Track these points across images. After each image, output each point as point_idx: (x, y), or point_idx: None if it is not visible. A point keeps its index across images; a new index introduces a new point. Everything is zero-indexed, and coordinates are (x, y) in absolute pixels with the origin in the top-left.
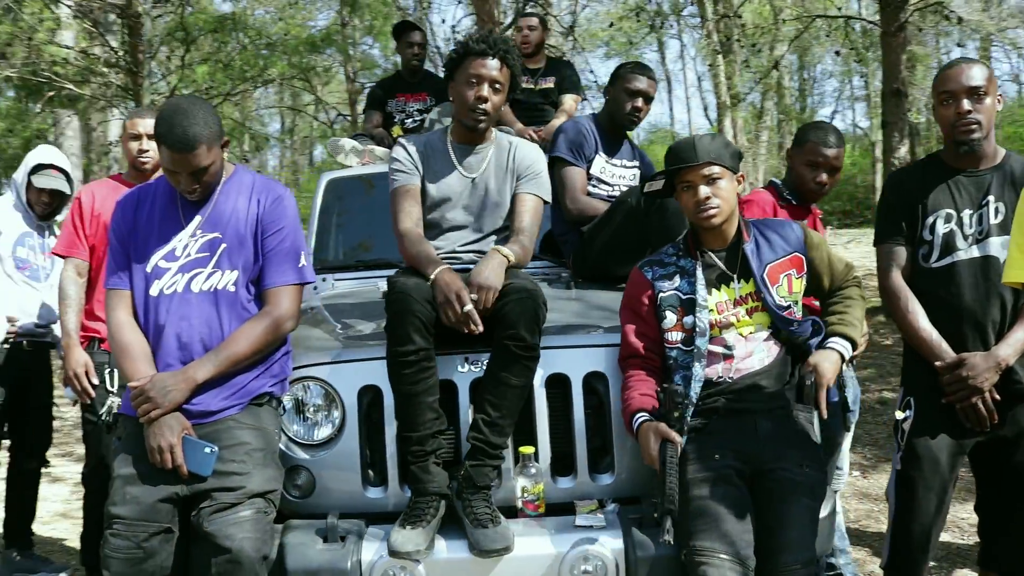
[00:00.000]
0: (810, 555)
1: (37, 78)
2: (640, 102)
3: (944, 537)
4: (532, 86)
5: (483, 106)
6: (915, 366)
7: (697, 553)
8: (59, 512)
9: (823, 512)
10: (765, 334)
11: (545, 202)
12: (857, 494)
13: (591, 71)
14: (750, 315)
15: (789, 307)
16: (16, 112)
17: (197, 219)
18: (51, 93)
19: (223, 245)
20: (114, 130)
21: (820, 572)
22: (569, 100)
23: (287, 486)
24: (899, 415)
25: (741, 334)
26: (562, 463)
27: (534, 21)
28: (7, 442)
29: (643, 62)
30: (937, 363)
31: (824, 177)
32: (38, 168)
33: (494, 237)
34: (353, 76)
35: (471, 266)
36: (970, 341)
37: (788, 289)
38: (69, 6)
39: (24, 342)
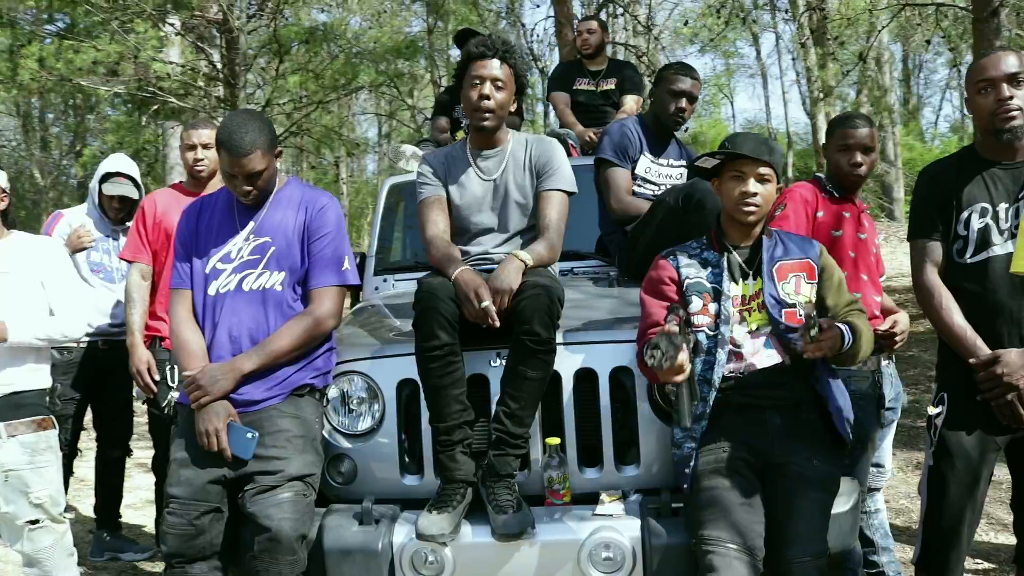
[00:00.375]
0: (819, 548)
1: (143, 93)
2: (684, 102)
3: (1013, 540)
4: (593, 88)
5: (486, 103)
6: (950, 362)
7: (705, 542)
8: (149, 499)
9: (843, 506)
10: (769, 328)
11: (569, 193)
12: None
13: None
14: (760, 310)
15: (793, 306)
16: (130, 125)
17: (251, 225)
18: (156, 107)
19: (272, 248)
20: None
21: (857, 567)
22: (630, 101)
23: (332, 473)
24: (931, 411)
25: (749, 330)
26: (590, 455)
27: (593, 24)
28: (92, 433)
29: (686, 63)
30: (971, 360)
31: (858, 157)
32: (107, 176)
33: (522, 236)
34: (439, 82)
35: None
36: (1006, 338)
37: (796, 289)
38: (172, 24)
39: (99, 341)
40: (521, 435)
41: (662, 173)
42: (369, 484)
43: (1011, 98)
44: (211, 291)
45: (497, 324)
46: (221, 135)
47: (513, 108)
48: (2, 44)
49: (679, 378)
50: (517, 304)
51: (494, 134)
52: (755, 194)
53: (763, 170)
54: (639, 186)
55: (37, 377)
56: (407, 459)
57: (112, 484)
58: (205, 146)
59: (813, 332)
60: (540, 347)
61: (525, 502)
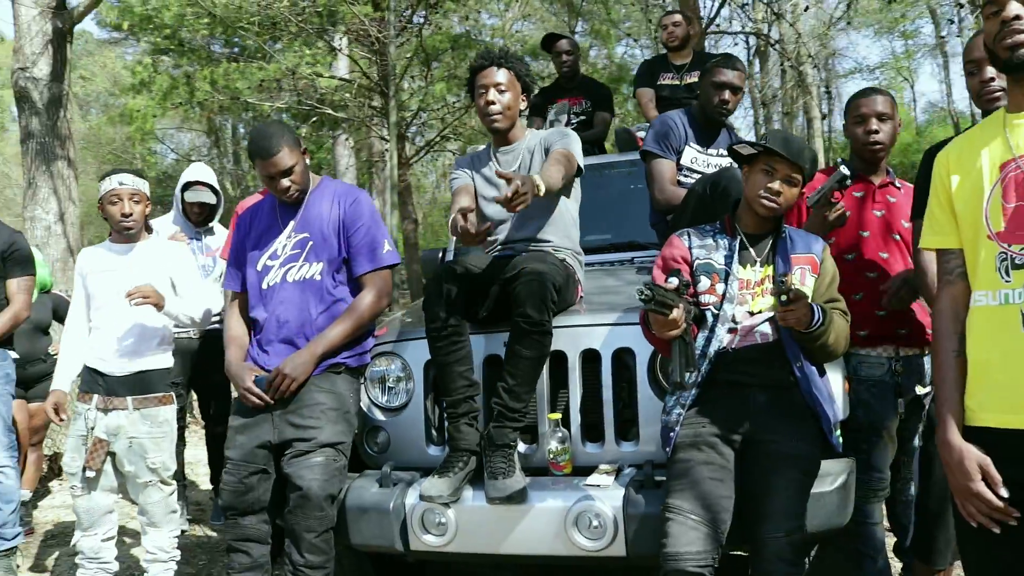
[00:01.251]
0: (793, 525)
1: (302, 106)
2: (727, 94)
3: None
4: (677, 82)
5: (493, 107)
6: None
7: (669, 509)
8: None
9: (828, 486)
10: (770, 314)
11: (579, 170)
12: None
13: (828, 53)
14: (763, 296)
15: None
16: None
17: (291, 223)
18: (315, 119)
19: (311, 242)
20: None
21: (876, 554)
22: None
23: (369, 443)
24: (920, 390)
25: (750, 311)
26: (592, 430)
27: (678, 18)
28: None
29: (731, 55)
30: None
31: (874, 124)
32: (188, 186)
33: (542, 223)
34: None
35: (524, 253)
36: None
37: (801, 280)
38: (330, 41)
39: (193, 332)
40: (518, 409)
41: (711, 163)
42: (400, 453)
43: (993, 79)
44: (264, 286)
45: (466, 226)
46: (250, 148)
47: (523, 106)
48: (183, 70)
49: (673, 333)
50: (514, 289)
51: (509, 132)
52: (779, 193)
53: (795, 173)
54: (685, 176)
55: (162, 358)
56: (433, 431)
57: (221, 457)
58: None
59: (784, 298)
60: (533, 328)
61: (522, 471)
